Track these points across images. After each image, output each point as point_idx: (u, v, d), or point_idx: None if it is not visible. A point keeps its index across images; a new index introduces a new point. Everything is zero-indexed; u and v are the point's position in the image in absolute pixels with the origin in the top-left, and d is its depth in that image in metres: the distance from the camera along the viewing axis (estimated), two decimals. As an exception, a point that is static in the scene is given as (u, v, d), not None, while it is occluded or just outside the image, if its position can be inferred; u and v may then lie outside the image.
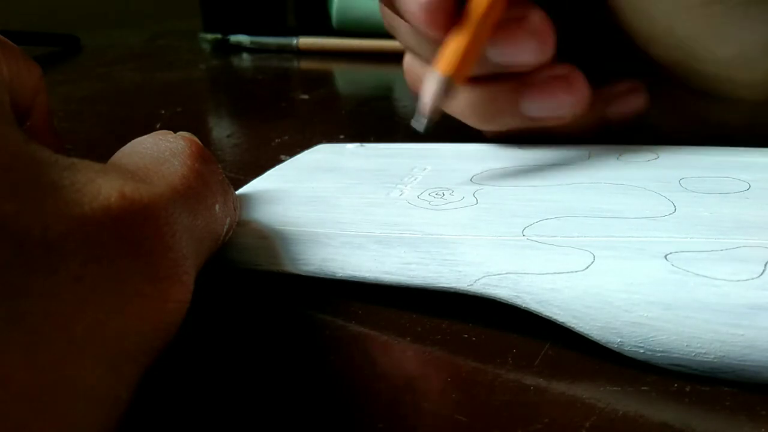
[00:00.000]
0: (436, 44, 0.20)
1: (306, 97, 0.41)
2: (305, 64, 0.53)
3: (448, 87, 0.19)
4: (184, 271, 0.11)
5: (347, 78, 0.50)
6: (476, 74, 0.21)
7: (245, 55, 0.56)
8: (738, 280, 0.13)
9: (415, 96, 0.25)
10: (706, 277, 0.13)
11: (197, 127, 0.34)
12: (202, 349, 0.14)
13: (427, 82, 0.19)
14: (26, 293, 0.08)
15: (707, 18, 0.20)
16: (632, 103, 0.23)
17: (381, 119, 0.35)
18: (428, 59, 0.22)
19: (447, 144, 0.24)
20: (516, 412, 0.12)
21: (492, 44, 0.20)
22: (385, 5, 0.21)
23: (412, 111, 0.26)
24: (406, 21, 0.20)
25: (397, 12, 0.20)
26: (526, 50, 0.20)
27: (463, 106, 0.22)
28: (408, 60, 0.25)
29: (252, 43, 0.57)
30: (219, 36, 0.59)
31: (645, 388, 0.12)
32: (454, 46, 0.19)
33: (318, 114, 0.36)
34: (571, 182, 0.19)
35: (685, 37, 0.20)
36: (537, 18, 0.20)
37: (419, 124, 0.19)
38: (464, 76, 0.19)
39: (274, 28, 0.61)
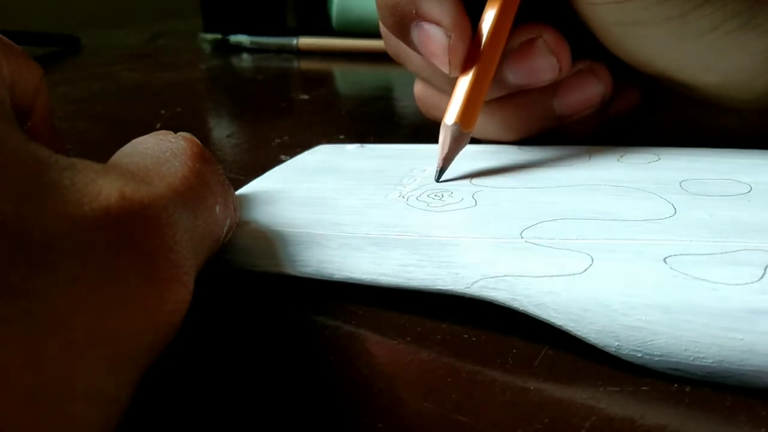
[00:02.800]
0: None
1: (306, 97, 0.41)
2: (305, 64, 0.53)
3: (457, 134, 0.20)
4: (184, 272, 0.11)
5: (347, 78, 0.50)
6: (502, 95, 0.22)
7: (245, 55, 0.56)
8: (737, 284, 0.12)
9: (429, 119, 0.25)
10: (705, 280, 0.13)
11: (197, 127, 0.34)
12: (202, 349, 0.14)
13: (440, 134, 0.20)
14: (26, 293, 0.08)
15: (688, 53, 0.20)
16: (625, 100, 0.24)
17: (381, 119, 0.35)
18: (444, 89, 0.23)
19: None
20: (516, 412, 0.12)
21: (511, 70, 0.21)
22: (398, 37, 0.21)
23: (412, 111, 0.26)
24: (423, 57, 0.20)
25: (412, 47, 0.21)
26: (543, 70, 0.21)
27: (497, 125, 0.23)
28: (420, 88, 0.25)
29: (252, 43, 0.57)
30: (219, 36, 0.59)
31: (645, 388, 0.12)
32: (457, 92, 0.20)
33: (318, 114, 0.36)
34: (571, 184, 0.18)
35: (667, 69, 0.21)
36: (550, 37, 0.20)
37: (435, 173, 0.20)
38: (472, 121, 0.20)
39: (274, 28, 0.61)
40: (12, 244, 0.08)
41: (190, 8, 0.70)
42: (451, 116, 0.20)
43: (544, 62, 0.21)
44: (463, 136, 0.20)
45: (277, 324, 0.15)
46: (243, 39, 0.58)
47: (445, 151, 0.20)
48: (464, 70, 0.20)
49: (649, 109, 0.24)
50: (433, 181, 0.20)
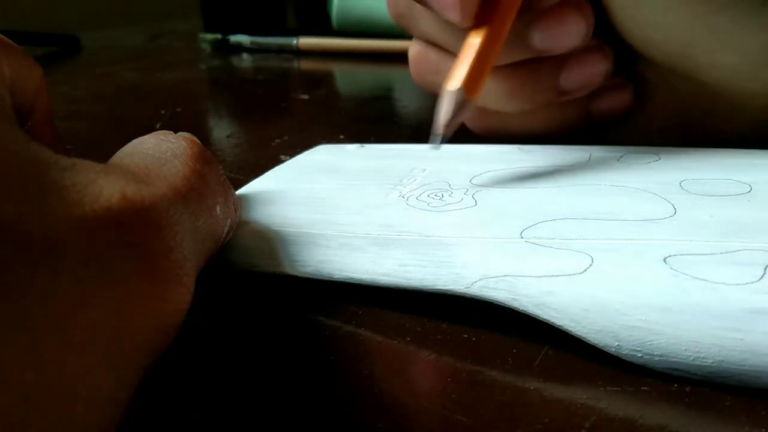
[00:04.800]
0: (464, 33, 0.20)
1: (306, 97, 0.41)
2: (305, 64, 0.53)
3: (461, 101, 0.18)
4: (185, 273, 0.11)
5: (347, 78, 0.50)
6: (515, 61, 0.21)
7: (245, 55, 0.56)
8: (737, 284, 0.12)
9: (421, 87, 0.25)
10: (705, 280, 0.13)
11: (197, 127, 0.34)
12: (202, 349, 0.14)
13: (441, 99, 0.19)
14: (27, 293, 0.08)
15: (709, 28, 0.19)
16: (617, 99, 0.23)
17: (381, 120, 0.35)
18: (452, 47, 0.22)
19: (447, 145, 0.24)
20: (516, 412, 0.12)
21: (539, 32, 0.20)
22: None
23: (412, 111, 0.26)
24: (434, 11, 0.20)
25: (421, 1, 0.20)
26: (573, 34, 0.20)
27: (501, 94, 0.22)
28: (417, 51, 0.24)
29: (252, 43, 0.57)
30: (219, 36, 0.59)
31: (645, 388, 0.12)
32: (464, 54, 0.19)
33: (318, 114, 0.36)
34: (571, 184, 0.18)
35: (684, 46, 0.20)
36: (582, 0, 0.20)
37: (434, 140, 0.19)
38: (478, 87, 0.19)
39: (274, 28, 0.61)
40: (13, 244, 0.08)
41: (190, 8, 0.70)
42: (455, 81, 0.18)
43: (575, 27, 0.20)
44: (467, 103, 0.18)
45: (277, 324, 0.15)
46: (243, 39, 0.58)
47: (448, 116, 0.18)
48: (475, 26, 0.19)
49: (639, 113, 0.24)
50: (434, 180, 0.20)
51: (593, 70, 0.22)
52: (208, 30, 0.62)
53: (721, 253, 0.14)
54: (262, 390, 0.13)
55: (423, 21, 0.23)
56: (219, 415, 0.12)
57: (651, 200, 0.17)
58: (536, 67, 0.22)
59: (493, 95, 0.22)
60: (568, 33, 0.20)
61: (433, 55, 0.24)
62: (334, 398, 0.13)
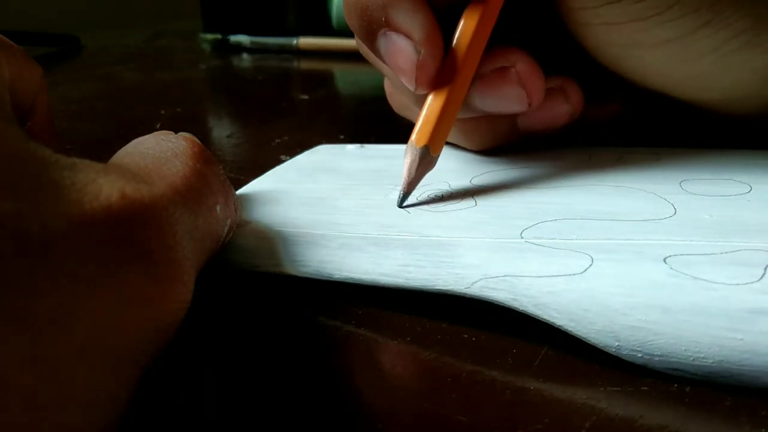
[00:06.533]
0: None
1: (306, 97, 0.41)
2: (305, 64, 0.53)
3: (426, 157, 0.18)
4: (185, 272, 0.11)
5: (347, 78, 0.50)
6: (467, 117, 0.21)
7: (245, 55, 0.56)
8: (737, 284, 0.12)
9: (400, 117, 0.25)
10: (705, 280, 0.13)
11: (197, 127, 0.34)
12: (202, 349, 0.14)
13: (407, 155, 0.19)
14: (26, 293, 0.08)
15: (685, 73, 0.19)
16: (603, 110, 0.23)
17: (381, 120, 0.35)
18: (410, 99, 0.22)
19: (447, 146, 0.24)
20: (516, 413, 0.12)
21: (479, 95, 0.20)
22: (364, 42, 0.19)
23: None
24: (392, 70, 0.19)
25: (378, 55, 0.19)
26: (513, 100, 0.20)
27: (458, 137, 0.22)
28: (388, 85, 0.24)
29: (252, 43, 0.57)
30: (219, 36, 0.59)
31: (645, 388, 0.12)
32: (429, 113, 0.18)
33: (318, 114, 0.36)
34: (571, 184, 0.18)
35: (664, 87, 0.20)
36: (524, 67, 0.19)
37: (400, 198, 0.19)
38: (441, 143, 0.19)
39: (274, 28, 0.61)
40: (12, 243, 0.08)
41: (190, 8, 0.71)
42: (420, 138, 0.18)
43: (515, 93, 0.19)
44: (431, 159, 0.19)
45: (277, 324, 0.15)
46: (243, 39, 0.58)
47: (412, 175, 0.18)
48: (433, 88, 0.19)
49: (633, 115, 0.24)
50: (433, 180, 0.20)
51: (552, 114, 0.21)
52: (208, 30, 0.62)
53: (721, 253, 0.14)
54: (261, 390, 0.13)
55: (385, 69, 0.22)
56: (219, 415, 0.12)
57: (651, 200, 0.17)
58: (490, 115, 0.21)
59: (450, 136, 0.22)
60: (506, 99, 0.20)
61: (400, 93, 0.23)
62: (333, 398, 0.13)
